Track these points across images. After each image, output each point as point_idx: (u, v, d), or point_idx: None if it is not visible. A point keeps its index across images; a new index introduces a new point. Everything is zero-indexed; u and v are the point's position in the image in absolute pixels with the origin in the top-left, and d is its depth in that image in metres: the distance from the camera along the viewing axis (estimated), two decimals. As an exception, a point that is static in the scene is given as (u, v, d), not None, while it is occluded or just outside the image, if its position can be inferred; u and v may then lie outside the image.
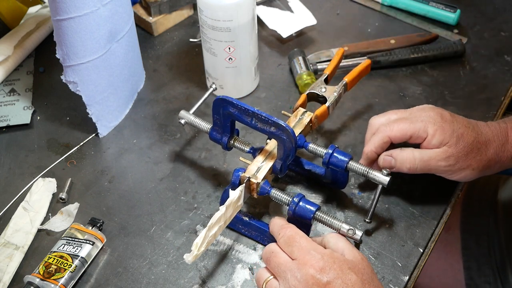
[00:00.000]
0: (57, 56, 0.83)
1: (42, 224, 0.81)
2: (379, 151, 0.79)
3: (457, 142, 0.75)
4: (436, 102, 0.95)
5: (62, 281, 0.72)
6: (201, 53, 0.96)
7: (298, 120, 0.80)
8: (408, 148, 0.77)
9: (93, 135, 0.93)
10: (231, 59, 0.91)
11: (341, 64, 0.96)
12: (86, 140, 0.92)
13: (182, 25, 1.12)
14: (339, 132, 0.92)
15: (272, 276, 0.67)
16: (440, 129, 0.75)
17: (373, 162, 0.80)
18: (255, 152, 0.78)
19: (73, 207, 0.82)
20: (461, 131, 0.76)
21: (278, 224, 0.71)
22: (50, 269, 0.73)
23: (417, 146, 0.78)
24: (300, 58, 0.99)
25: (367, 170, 0.74)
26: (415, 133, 0.76)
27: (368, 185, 0.84)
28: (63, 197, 0.83)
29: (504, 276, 0.98)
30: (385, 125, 0.78)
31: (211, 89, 0.91)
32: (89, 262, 0.76)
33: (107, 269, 0.77)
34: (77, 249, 0.75)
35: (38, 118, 0.96)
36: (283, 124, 0.70)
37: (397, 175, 0.85)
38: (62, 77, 0.85)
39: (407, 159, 0.76)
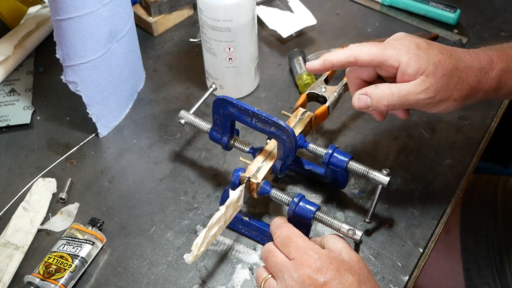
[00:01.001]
0: (57, 56, 0.83)
1: (42, 224, 0.81)
2: (337, 66, 0.72)
3: (434, 70, 0.68)
4: (436, 102, 0.95)
5: (62, 281, 0.72)
6: (201, 53, 0.96)
7: (298, 120, 0.80)
8: (384, 84, 0.70)
9: (93, 135, 0.93)
10: (231, 59, 0.91)
11: (341, 64, 0.96)
12: (86, 140, 0.92)
13: (182, 25, 1.12)
14: (339, 132, 0.92)
15: (270, 276, 0.67)
16: (415, 57, 0.68)
17: (322, 71, 0.74)
18: (255, 152, 0.78)
19: (73, 207, 0.82)
20: (438, 58, 0.68)
21: (276, 224, 0.71)
22: (50, 269, 0.73)
23: (389, 81, 0.73)
24: (300, 58, 0.99)
25: (367, 170, 0.74)
26: (386, 61, 0.69)
27: (368, 185, 0.84)
28: (63, 197, 0.83)
29: (504, 277, 0.98)
30: (355, 45, 0.71)
31: (211, 89, 0.91)
32: (89, 262, 0.76)
33: (107, 269, 0.77)
34: (77, 249, 0.75)
35: (38, 118, 0.96)
36: (283, 124, 0.70)
37: (396, 175, 0.85)
38: (62, 77, 0.85)
39: (384, 96, 0.69)
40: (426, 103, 0.70)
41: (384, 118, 0.75)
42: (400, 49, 0.69)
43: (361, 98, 0.71)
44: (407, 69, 0.68)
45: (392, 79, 0.72)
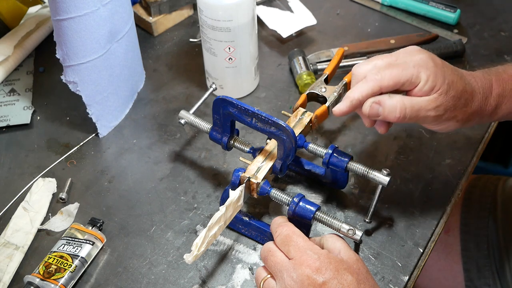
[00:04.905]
0: (57, 56, 0.83)
1: (42, 224, 0.81)
2: (364, 100, 0.71)
3: (447, 90, 0.69)
4: (436, 102, 0.95)
5: (62, 281, 0.72)
6: (201, 53, 0.96)
7: (298, 120, 0.80)
8: (397, 95, 0.70)
9: (93, 135, 0.93)
10: (231, 59, 0.91)
11: (341, 64, 0.96)
12: (86, 140, 0.92)
13: (182, 25, 1.12)
14: (339, 132, 0.92)
15: (269, 275, 0.67)
16: (433, 74, 0.69)
17: (350, 112, 0.72)
18: (255, 152, 0.78)
19: (73, 207, 0.82)
20: (451, 78, 0.70)
21: (276, 223, 0.71)
22: (50, 269, 0.73)
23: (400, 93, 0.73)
24: (300, 58, 0.99)
25: (367, 170, 0.74)
26: (409, 80, 0.69)
27: (368, 185, 0.84)
28: (63, 197, 0.83)
29: (504, 278, 0.98)
30: (374, 73, 0.70)
31: (211, 89, 0.91)
32: (89, 262, 0.76)
33: (107, 269, 0.77)
34: (77, 249, 0.75)
35: (38, 118, 0.96)
36: (283, 124, 0.70)
37: (396, 175, 0.85)
38: (62, 77, 0.85)
39: (397, 107, 0.69)
40: (433, 120, 0.71)
41: (387, 131, 0.75)
42: (420, 66, 0.69)
43: (373, 106, 0.70)
44: (424, 85, 0.69)
45: (401, 93, 0.72)
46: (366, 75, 0.71)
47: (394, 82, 0.69)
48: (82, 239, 0.76)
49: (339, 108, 0.72)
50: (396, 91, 0.71)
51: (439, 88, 0.69)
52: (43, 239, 0.80)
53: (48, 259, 0.74)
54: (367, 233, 0.79)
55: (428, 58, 0.70)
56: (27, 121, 0.95)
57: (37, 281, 0.72)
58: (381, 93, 0.71)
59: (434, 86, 0.69)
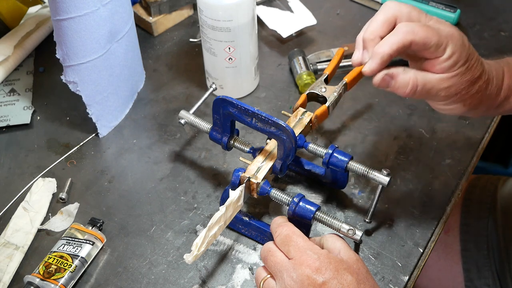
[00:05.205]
0: (57, 56, 0.83)
1: (42, 224, 0.81)
2: (395, 55, 0.66)
3: (465, 72, 0.66)
4: (436, 102, 0.95)
5: (62, 281, 0.72)
6: (201, 53, 0.96)
7: (298, 120, 0.80)
8: (411, 70, 0.67)
9: (93, 135, 0.93)
10: (231, 59, 0.91)
11: (341, 64, 0.96)
12: (86, 140, 0.92)
13: (182, 25, 1.12)
14: (339, 132, 0.92)
15: (269, 275, 0.67)
16: (458, 52, 0.65)
17: (383, 67, 0.67)
18: (255, 152, 0.78)
19: (73, 207, 0.82)
20: (473, 62, 0.67)
21: (276, 222, 0.71)
22: (50, 269, 0.73)
23: (411, 58, 0.70)
24: (300, 58, 0.99)
25: (367, 170, 0.74)
26: (437, 47, 0.65)
27: (368, 185, 0.84)
28: (63, 197, 0.84)
29: (503, 278, 0.98)
30: (407, 24, 0.65)
31: (211, 89, 0.91)
32: (89, 262, 0.76)
33: (107, 269, 0.77)
34: (77, 249, 0.75)
35: (38, 118, 0.96)
36: (283, 124, 0.70)
37: (396, 175, 0.85)
38: (62, 77, 0.85)
39: (409, 83, 0.66)
40: (442, 99, 0.69)
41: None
42: (451, 39, 0.65)
43: (385, 78, 0.67)
44: (446, 61, 0.66)
45: (413, 58, 0.69)
46: (398, 21, 0.66)
47: (424, 43, 0.64)
48: (82, 239, 0.76)
49: (369, 67, 0.66)
50: (416, 57, 0.68)
51: (458, 68, 0.66)
52: (43, 239, 0.80)
53: (48, 259, 0.74)
54: (367, 233, 0.79)
55: (459, 35, 0.67)
56: (27, 121, 0.95)
57: (37, 281, 0.72)
58: (406, 53, 0.67)
59: (454, 65, 0.66)
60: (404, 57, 0.71)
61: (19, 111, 0.96)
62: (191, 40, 1.08)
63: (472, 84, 0.68)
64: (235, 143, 0.79)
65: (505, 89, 0.72)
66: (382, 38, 0.66)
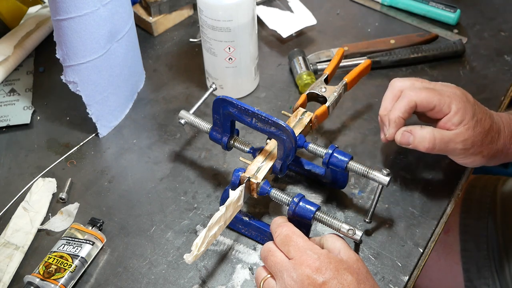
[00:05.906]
0: (57, 56, 0.83)
1: (42, 224, 0.81)
2: (405, 116, 0.76)
3: (475, 125, 0.74)
4: (436, 102, 0.95)
5: (62, 281, 0.72)
6: (201, 53, 0.96)
7: (298, 120, 0.80)
8: (428, 127, 0.75)
9: (93, 135, 0.93)
10: (231, 59, 0.91)
11: (341, 64, 0.96)
12: (86, 140, 0.92)
13: (182, 25, 1.12)
14: (339, 132, 0.92)
15: (269, 275, 0.67)
16: (463, 108, 0.74)
17: (399, 128, 0.77)
18: (255, 152, 0.78)
19: (73, 207, 0.82)
20: (480, 116, 0.75)
21: (276, 223, 0.71)
22: (50, 269, 0.73)
23: (428, 122, 0.78)
24: (300, 58, 0.99)
25: (367, 170, 0.74)
26: (440, 106, 0.74)
27: (368, 185, 0.84)
28: (63, 197, 0.84)
29: (503, 278, 0.98)
30: (410, 89, 0.76)
31: (211, 89, 0.91)
32: (89, 262, 0.76)
33: (107, 269, 0.77)
34: (77, 249, 0.75)
35: (38, 118, 0.96)
36: (283, 124, 0.70)
37: (396, 175, 0.85)
38: (62, 77, 0.85)
39: (427, 138, 0.74)
40: (460, 153, 0.75)
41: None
42: (454, 98, 0.74)
43: (405, 134, 0.75)
44: (454, 117, 0.74)
45: (429, 121, 0.78)
46: (403, 91, 0.76)
47: (427, 102, 0.74)
48: (82, 239, 0.76)
49: (389, 134, 0.77)
50: (426, 117, 0.77)
51: (467, 122, 0.74)
52: (43, 239, 0.80)
53: (48, 259, 0.74)
54: (367, 233, 0.79)
55: (462, 94, 0.75)
56: (27, 121, 0.95)
57: (37, 281, 0.72)
58: (415, 112, 0.76)
59: (462, 120, 0.74)
60: (421, 121, 0.80)
61: (19, 111, 0.96)
62: (191, 40, 1.08)
63: (485, 135, 0.75)
64: (235, 143, 0.79)
65: None
66: None
